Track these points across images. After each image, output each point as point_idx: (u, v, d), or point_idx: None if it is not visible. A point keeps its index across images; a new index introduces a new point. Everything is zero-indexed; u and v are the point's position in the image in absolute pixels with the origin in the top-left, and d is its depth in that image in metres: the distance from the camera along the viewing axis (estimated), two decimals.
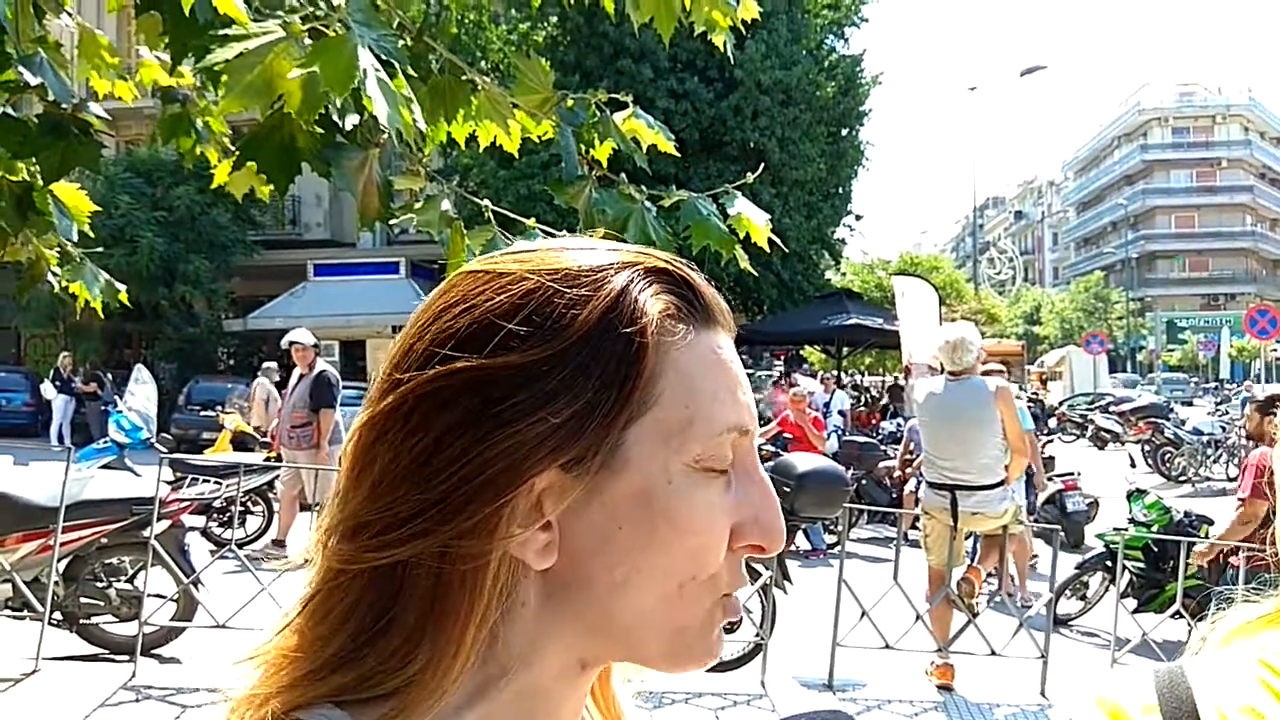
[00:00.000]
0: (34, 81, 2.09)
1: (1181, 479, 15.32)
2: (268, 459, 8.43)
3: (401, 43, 1.65)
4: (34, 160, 2.33)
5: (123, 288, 3.02)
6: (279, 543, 7.79)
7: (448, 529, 0.50)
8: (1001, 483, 5.23)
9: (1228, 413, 21.03)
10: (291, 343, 8.08)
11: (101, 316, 3.20)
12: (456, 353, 0.52)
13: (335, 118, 1.51)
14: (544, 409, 0.50)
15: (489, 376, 0.51)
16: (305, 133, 1.64)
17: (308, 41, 1.48)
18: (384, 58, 1.48)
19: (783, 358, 25.19)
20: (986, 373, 6.18)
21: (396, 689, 0.52)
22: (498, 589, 0.52)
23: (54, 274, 2.87)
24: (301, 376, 8.01)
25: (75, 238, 2.62)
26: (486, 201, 2.11)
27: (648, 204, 2.25)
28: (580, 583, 0.53)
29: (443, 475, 0.51)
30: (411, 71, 1.72)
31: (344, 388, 8.64)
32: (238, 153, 2.19)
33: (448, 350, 0.52)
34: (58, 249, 2.81)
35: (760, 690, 4.92)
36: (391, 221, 1.85)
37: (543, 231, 2.16)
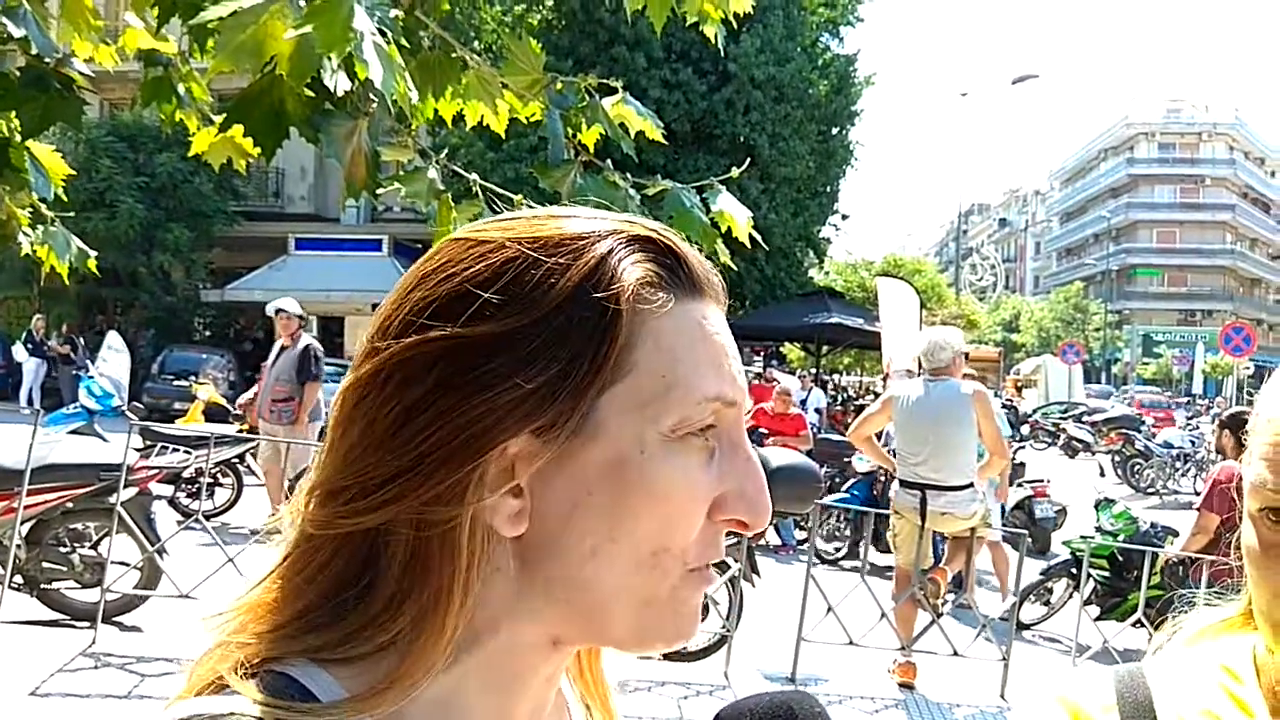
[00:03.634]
0: (17, 34, 2.05)
1: (1149, 491, 15.51)
2: (240, 431, 8.35)
3: (394, 13, 1.63)
4: (12, 115, 2.29)
5: (93, 255, 2.96)
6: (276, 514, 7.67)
7: (420, 494, 0.51)
8: (971, 485, 5.27)
9: (1198, 427, 21.30)
10: (278, 310, 7.75)
11: (66, 282, 3.14)
12: (434, 321, 0.52)
13: (326, 81, 1.49)
14: (517, 376, 0.51)
15: (464, 345, 0.51)
16: (295, 96, 1.62)
17: (302, 3, 1.46)
18: (377, 26, 1.46)
19: (762, 354, 25.27)
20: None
21: (377, 650, 0.52)
22: (474, 555, 0.52)
23: (25, 234, 2.82)
24: (283, 349, 7.73)
25: (51, 196, 2.57)
26: (475, 176, 2.09)
27: (632, 192, 2.25)
28: (551, 550, 0.53)
29: (415, 441, 0.51)
30: (405, 43, 1.70)
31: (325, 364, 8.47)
32: (219, 119, 2.17)
33: (425, 319, 0.52)
34: (30, 209, 2.76)
35: (724, 681, 4.94)
36: (378, 193, 1.83)
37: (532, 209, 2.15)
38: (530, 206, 2.22)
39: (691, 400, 0.53)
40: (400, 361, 0.52)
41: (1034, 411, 24.80)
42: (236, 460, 8.32)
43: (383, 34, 1.52)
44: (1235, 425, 5.68)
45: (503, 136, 2.45)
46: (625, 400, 0.52)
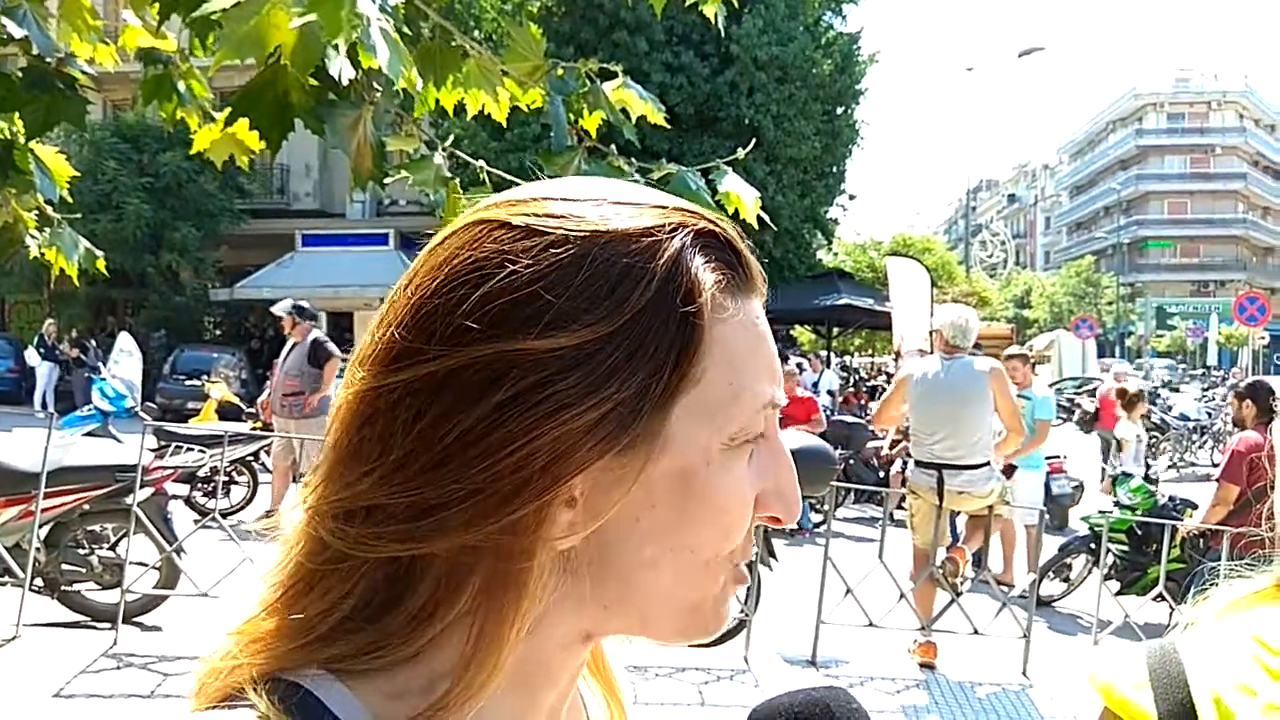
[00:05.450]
0: (18, 34, 2.04)
1: (1167, 464, 15.43)
2: (254, 429, 8.39)
3: (395, 2, 1.62)
4: (15, 117, 2.29)
5: (101, 255, 2.96)
6: (271, 513, 7.72)
7: (488, 523, 0.46)
8: (988, 463, 5.25)
9: (1214, 399, 21.16)
10: (285, 312, 7.98)
11: (76, 284, 3.14)
12: (495, 329, 0.47)
13: (331, 69, 1.47)
14: (595, 394, 0.46)
15: (535, 358, 0.46)
16: (300, 87, 1.60)
17: None
18: (380, 10, 1.44)
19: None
20: (1009, 357, 6.37)
21: (401, 663, 0.49)
22: (538, 580, 0.48)
23: (32, 237, 2.81)
24: (294, 345, 7.90)
25: (56, 198, 2.57)
26: (482, 162, 2.07)
27: (637, 176, 2.23)
28: (605, 559, 0.51)
29: (483, 467, 0.46)
30: (405, 31, 1.69)
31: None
32: (222, 116, 2.16)
33: (484, 325, 0.47)
34: (36, 211, 2.75)
35: (744, 666, 4.94)
36: (385, 182, 1.81)
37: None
38: None
39: (753, 407, 0.52)
40: (455, 372, 0.47)
41: (1049, 387, 24.68)
42: (251, 458, 8.36)
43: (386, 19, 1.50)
44: (1253, 395, 5.64)
45: (505, 126, 2.43)
46: (694, 410, 0.49)
